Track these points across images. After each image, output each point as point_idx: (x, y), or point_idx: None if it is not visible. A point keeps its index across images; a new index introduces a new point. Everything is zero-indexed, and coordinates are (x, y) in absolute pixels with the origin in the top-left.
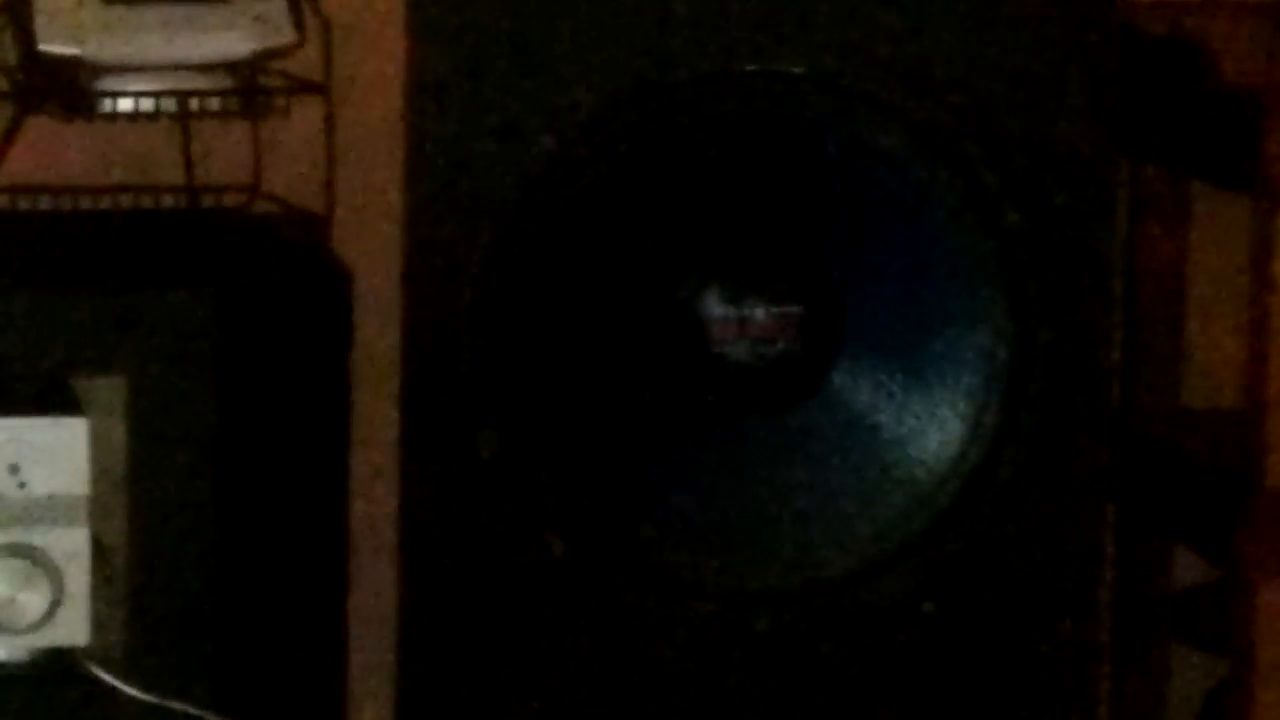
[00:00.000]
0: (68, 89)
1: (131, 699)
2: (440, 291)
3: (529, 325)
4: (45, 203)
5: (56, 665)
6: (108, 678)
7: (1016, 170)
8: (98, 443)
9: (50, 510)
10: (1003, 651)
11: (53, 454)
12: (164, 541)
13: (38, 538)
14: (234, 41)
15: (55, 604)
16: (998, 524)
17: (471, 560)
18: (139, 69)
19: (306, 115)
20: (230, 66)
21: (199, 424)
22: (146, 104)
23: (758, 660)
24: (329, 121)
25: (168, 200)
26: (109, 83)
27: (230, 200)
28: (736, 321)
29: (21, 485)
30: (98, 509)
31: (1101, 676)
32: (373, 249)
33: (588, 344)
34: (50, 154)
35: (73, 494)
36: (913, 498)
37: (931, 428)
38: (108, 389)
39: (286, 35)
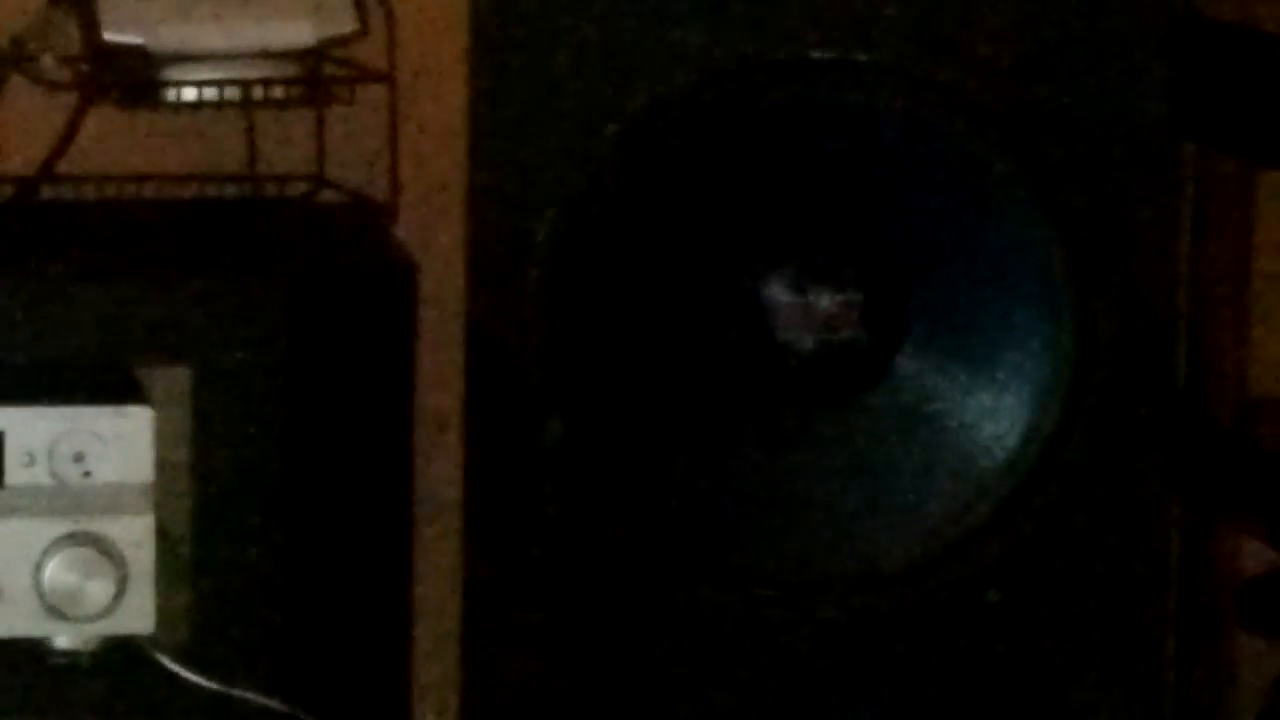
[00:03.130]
0: (131, 78)
1: (196, 686)
2: (504, 280)
3: (593, 314)
4: (109, 192)
5: (122, 653)
6: (173, 665)
7: (1082, 157)
8: (162, 431)
9: (115, 499)
10: (1067, 641)
11: (117, 442)
12: (228, 530)
13: (103, 526)
14: (298, 30)
15: (120, 592)
16: (1062, 512)
17: (535, 548)
18: (202, 58)
19: (371, 104)
20: (294, 55)
21: (263, 412)
22: (210, 93)
23: (821, 649)
24: (393, 110)
25: (232, 189)
26: (172, 72)
27: (294, 189)
28: (801, 309)
29: (86, 474)
30: (162, 497)
31: (1168, 665)
32: (437, 238)
33: (652, 333)
34: (114, 143)
35: (138, 482)
36: (977, 486)
37: (996, 416)
38: (172, 377)
39: (350, 23)
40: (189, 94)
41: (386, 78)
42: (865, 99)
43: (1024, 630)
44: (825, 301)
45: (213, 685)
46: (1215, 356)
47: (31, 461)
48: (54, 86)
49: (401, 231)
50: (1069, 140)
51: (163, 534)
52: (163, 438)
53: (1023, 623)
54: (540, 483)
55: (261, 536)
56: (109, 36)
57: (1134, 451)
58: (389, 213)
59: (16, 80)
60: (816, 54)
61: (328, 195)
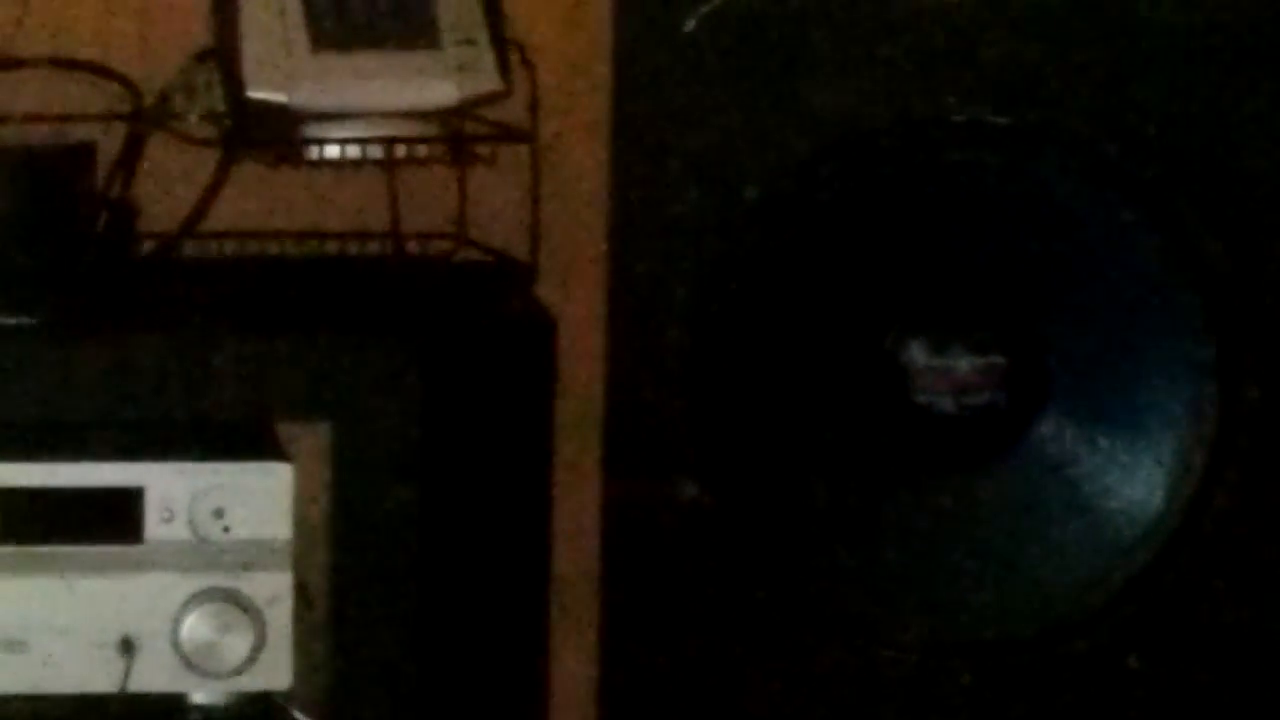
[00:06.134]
0: (275, 136)
1: None
2: (644, 339)
3: (732, 373)
4: (252, 248)
5: (259, 709)
6: None
7: (1224, 220)
8: (301, 488)
9: (254, 554)
10: (1208, 710)
11: (257, 499)
12: (366, 586)
13: (241, 582)
14: (440, 89)
15: (258, 648)
16: (1202, 578)
17: (672, 607)
18: (346, 116)
19: (512, 163)
20: (437, 114)
21: (402, 470)
22: (353, 151)
23: (956, 713)
24: (535, 169)
25: (373, 247)
26: (316, 129)
27: (436, 247)
28: (941, 372)
29: (226, 529)
30: (301, 553)
31: None
32: (577, 297)
33: (791, 392)
34: (256, 200)
35: (276, 538)
36: (1117, 549)
37: (1135, 480)
38: (312, 434)
39: (493, 83)
40: (332, 152)
41: (529, 137)
42: (1008, 162)
43: (1165, 698)
44: (965, 364)
45: None
46: None
47: (171, 517)
48: (197, 143)
49: (541, 290)
50: (1213, 205)
51: (301, 590)
52: (302, 494)
53: (1163, 691)
54: (678, 541)
55: (399, 592)
56: (253, 94)
57: (1275, 516)
58: (529, 271)
59: (160, 136)
60: (959, 117)
61: (468, 254)
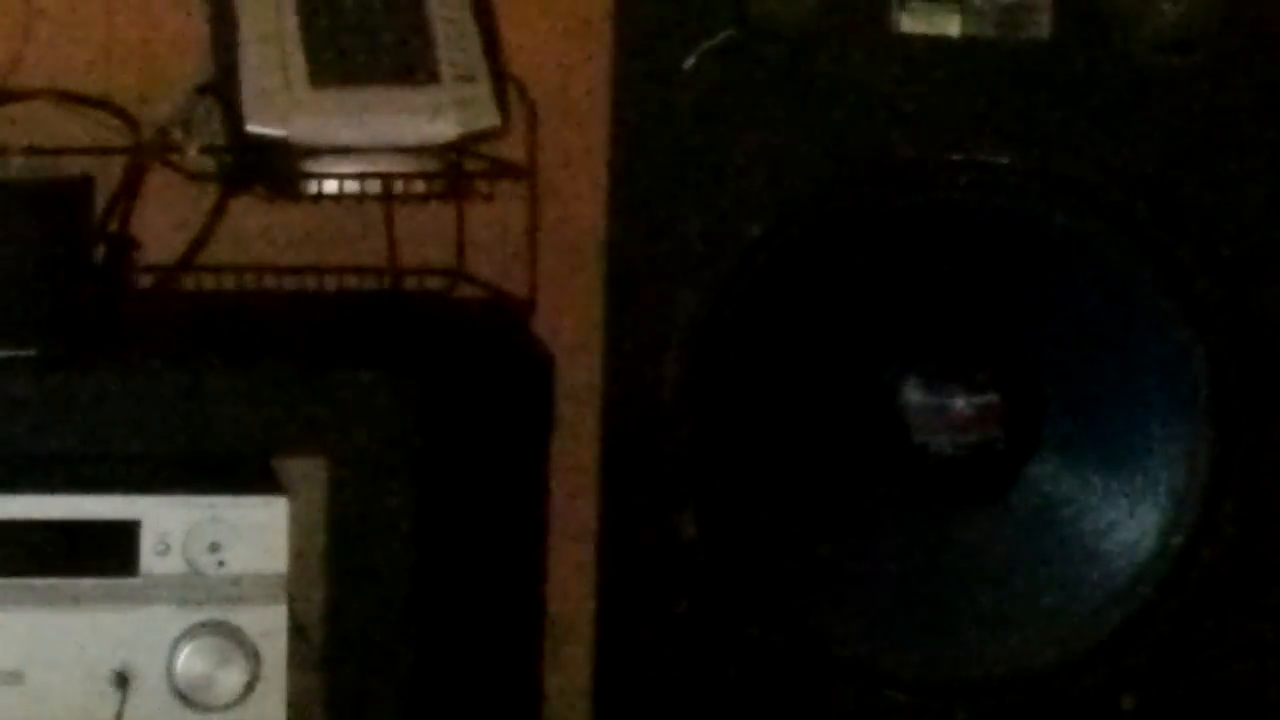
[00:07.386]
0: (273, 170)
1: None
2: (641, 375)
3: (729, 410)
4: (249, 282)
5: None
6: None
7: (1220, 263)
8: (297, 522)
9: (249, 588)
10: None
11: (252, 533)
12: (362, 620)
13: (236, 616)
14: (439, 125)
15: (253, 682)
16: (1199, 617)
17: (667, 645)
18: (344, 151)
19: (510, 198)
20: (435, 149)
21: (398, 505)
22: (351, 186)
23: None
24: (533, 205)
25: (371, 282)
26: (314, 164)
27: (433, 283)
28: (937, 411)
29: (221, 563)
30: (296, 588)
31: None
32: (575, 333)
33: (788, 431)
34: (255, 234)
35: (272, 572)
36: (1112, 590)
37: (1131, 519)
38: (308, 469)
39: (491, 119)
40: (330, 186)
41: (527, 173)
42: (1006, 202)
43: None
44: (962, 404)
45: None
46: None
47: (167, 550)
48: (196, 177)
49: (539, 325)
50: (1209, 247)
51: (296, 624)
52: (297, 528)
53: None
54: (674, 579)
55: (394, 627)
56: (252, 128)
57: (1271, 555)
58: (527, 307)
59: (159, 170)
60: (956, 156)
61: (466, 289)
